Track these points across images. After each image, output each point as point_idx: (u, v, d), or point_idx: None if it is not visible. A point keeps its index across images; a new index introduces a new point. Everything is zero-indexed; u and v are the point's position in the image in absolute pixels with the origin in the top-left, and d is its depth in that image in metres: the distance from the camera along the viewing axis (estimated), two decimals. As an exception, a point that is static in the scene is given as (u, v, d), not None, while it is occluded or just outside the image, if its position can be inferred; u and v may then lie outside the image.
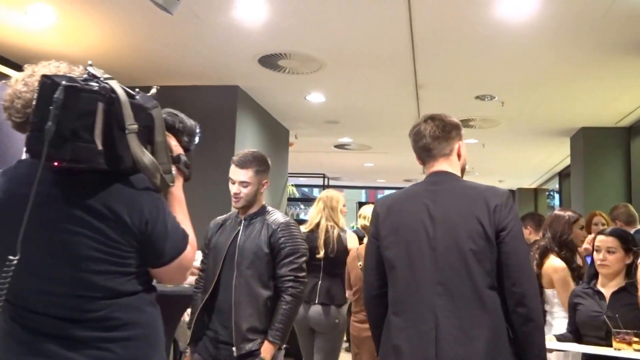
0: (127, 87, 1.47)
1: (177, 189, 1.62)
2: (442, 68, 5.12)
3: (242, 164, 2.71)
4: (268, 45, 4.64)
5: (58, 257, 1.40)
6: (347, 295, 3.95)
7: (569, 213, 3.33)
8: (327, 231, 3.99)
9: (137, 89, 1.51)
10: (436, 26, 4.15)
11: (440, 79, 5.43)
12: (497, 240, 1.92)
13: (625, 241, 2.81)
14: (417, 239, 1.98)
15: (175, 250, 1.52)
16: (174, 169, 1.58)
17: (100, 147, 1.37)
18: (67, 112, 1.33)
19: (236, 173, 2.71)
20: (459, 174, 2.15)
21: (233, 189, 2.72)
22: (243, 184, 2.70)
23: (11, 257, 1.27)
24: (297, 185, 14.70)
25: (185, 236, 1.56)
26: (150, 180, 1.47)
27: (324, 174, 11.80)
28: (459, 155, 2.15)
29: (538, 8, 3.79)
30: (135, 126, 1.42)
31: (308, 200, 14.26)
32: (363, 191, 16.74)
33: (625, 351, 2.61)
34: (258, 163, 2.73)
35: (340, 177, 13.27)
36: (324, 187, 12.05)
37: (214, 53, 4.89)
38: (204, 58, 5.04)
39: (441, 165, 2.11)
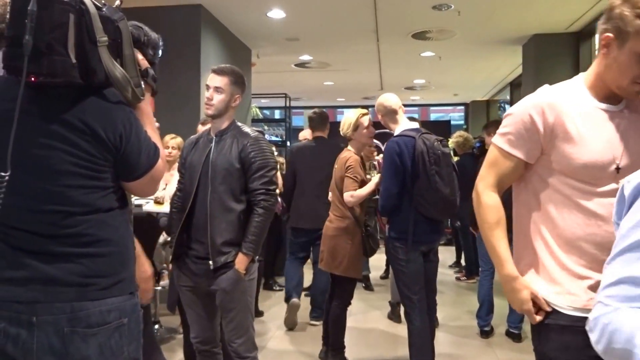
0: None
1: (145, 103, 1.63)
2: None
3: (219, 71, 2.76)
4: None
5: (36, 173, 1.42)
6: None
7: None
8: None
9: (102, 1, 1.49)
10: None
11: (399, -12, 5.52)
12: None
13: None
14: None
15: (148, 163, 1.57)
16: (142, 83, 1.59)
17: (74, 60, 1.38)
18: (42, 24, 1.33)
19: (212, 79, 2.76)
20: None
21: (207, 94, 2.77)
22: (218, 89, 2.72)
23: (2, 174, 1.30)
24: (260, 107, 14.72)
25: (156, 149, 1.60)
26: (122, 93, 1.49)
27: (285, 94, 11.82)
28: None
29: None
30: (106, 38, 1.42)
31: (271, 121, 14.33)
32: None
33: None
34: (235, 75, 2.78)
35: (301, 97, 13.28)
36: (286, 108, 12.08)
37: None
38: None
39: None
